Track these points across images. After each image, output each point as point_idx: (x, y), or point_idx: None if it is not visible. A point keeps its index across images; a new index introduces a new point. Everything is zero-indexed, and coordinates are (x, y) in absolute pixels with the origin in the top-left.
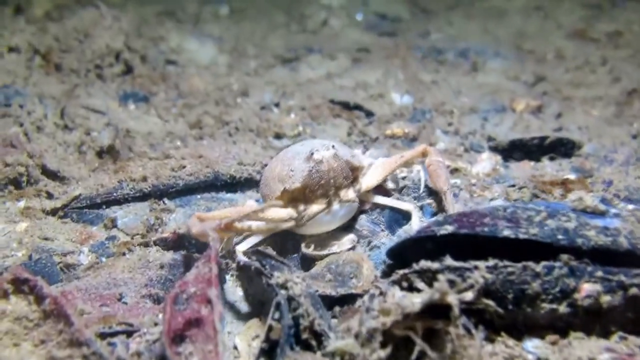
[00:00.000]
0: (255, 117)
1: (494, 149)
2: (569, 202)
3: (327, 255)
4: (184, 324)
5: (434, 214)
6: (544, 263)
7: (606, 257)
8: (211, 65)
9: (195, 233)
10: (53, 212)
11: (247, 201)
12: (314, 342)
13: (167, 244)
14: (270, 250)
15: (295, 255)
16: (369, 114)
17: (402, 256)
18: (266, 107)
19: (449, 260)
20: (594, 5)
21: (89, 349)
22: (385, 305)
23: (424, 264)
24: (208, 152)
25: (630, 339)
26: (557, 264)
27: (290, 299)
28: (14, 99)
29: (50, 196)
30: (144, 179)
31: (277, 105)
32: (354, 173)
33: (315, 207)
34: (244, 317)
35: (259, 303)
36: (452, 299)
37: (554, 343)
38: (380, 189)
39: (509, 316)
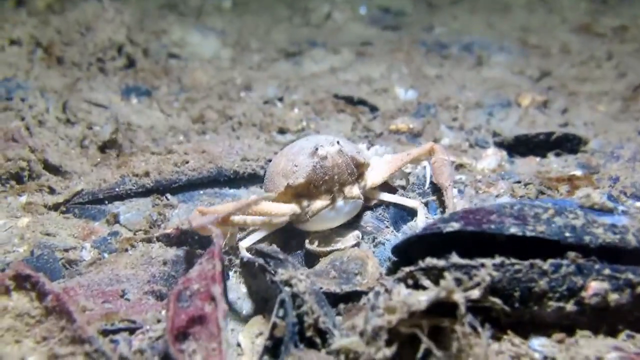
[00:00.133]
0: (258, 112)
1: (500, 145)
2: (576, 199)
3: (331, 252)
4: (187, 321)
5: (439, 210)
6: (551, 261)
7: (614, 254)
8: (214, 59)
9: (195, 227)
10: (55, 207)
11: (251, 197)
12: (318, 340)
13: (170, 240)
14: (274, 247)
15: (299, 251)
16: (373, 108)
17: (407, 253)
18: (270, 102)
19: (455, 258)
20: None
21: (91, 346)
22: (391, 303)
23: (430, 261)
24: (211, 147)
25: (637, 338)
26: (565, 261)
27: (294, 296)
28: (15, 93)
29: (52, 191)
30: (147, 174)
31: (280, 99)
32: (359, 169)
33: (319, 203)
34: (247, 314)
35: (263, 300)
36: (459, 296)
37: (560, 341)
38: (385, 185)
39: (516, 314)
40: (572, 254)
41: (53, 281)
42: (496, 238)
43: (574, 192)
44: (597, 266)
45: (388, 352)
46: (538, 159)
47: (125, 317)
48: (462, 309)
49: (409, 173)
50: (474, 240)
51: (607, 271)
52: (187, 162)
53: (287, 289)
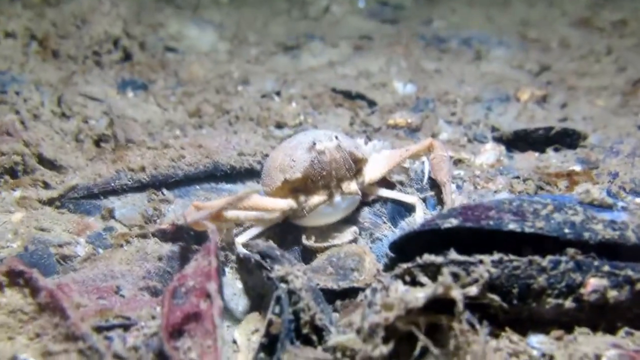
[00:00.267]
0: (256, 106)
1: (498, 140)
2: (575, 194)
3: (328, 248)
4: (183, 318)
5: (437, 206)
6: (550, 257)
7: (613, 251)
8: (211, 53)
9: (190, 222)
10: (49, 202)
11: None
12: (314, 337)
13: (165, 236)
14: (270, 243)
15: (295, 247)
16: (371, 103)
17: (404, 249)
18: (267, 96)
19: (453, 254)
20: None
21: (85, 343)
22: (388, 299)
23: (428, 257)
24: (208, 141)
25: (636, 335)
26: (564, 258)
27: (290, 293)
28: (10, 86)
29: (46, 186)
30: (142, 168)
31: (278, 93)
32: (357, 165)
33: (316, 199)
34: (243, 311)
35: (259, 296)
36: (456, 293)
37: (559, 338)
38: (383, 181)
39: (514, 311)
40: (571, 251)
41: (47, 277)
42: (495, 234)
43: (573, 187)
44: (596, 263)
45: (385, 349)
46: (537, 154)
47: (119, 314)
48: (460, 305)
49: (409, 168)
50: (473, 236)
51: (606, 268)
52: (184, 157)
53: (283, 285)
